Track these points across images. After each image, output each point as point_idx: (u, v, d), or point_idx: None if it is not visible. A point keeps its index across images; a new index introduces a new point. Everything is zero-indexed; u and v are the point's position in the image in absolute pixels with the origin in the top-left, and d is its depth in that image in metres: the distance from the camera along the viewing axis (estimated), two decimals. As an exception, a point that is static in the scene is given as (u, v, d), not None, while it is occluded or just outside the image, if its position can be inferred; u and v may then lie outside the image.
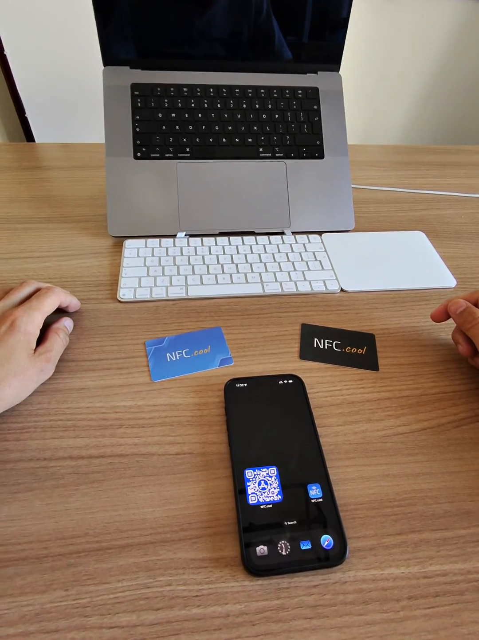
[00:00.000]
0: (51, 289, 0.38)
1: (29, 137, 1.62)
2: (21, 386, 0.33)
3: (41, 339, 0.36)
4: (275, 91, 0.55)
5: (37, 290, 0.39)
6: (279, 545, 0.27)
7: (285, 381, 0.37)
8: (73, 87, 1.51)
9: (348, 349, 0.41)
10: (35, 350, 0.35)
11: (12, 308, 0.36)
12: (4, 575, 0.26)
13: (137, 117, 0.53)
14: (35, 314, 0.35)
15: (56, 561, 0.27)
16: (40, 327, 0.36)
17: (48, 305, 0.37)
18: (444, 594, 0.27)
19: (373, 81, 1.71)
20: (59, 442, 0.33)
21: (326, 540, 0.28)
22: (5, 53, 1.41)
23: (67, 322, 0.39)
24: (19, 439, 0.33)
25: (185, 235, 0.52)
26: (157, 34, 0.51)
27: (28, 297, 0.38)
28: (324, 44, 0.55)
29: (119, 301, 0.44)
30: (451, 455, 0.34)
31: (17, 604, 0.25)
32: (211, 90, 0.54)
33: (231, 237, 0.52)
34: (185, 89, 0.54)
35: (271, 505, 0.29)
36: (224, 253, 0.50)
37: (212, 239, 0.52)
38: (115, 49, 0.52)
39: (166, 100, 0.53)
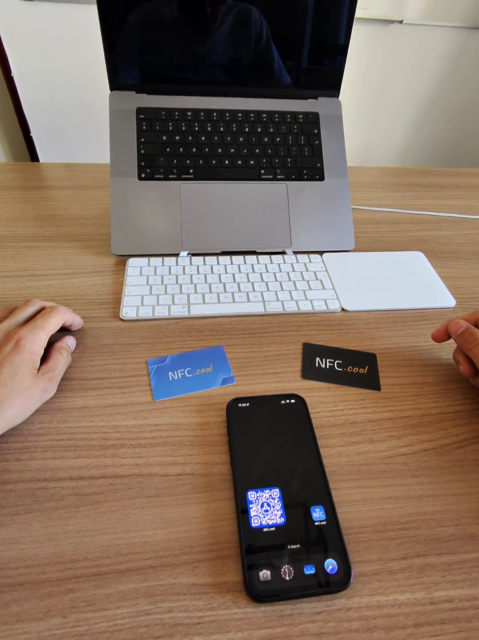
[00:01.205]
0: (55, 308, 0.38)
1: (34, 156, 1.65)
2: (24, 406, 0.33)
3: (44, 358, 0.36)
4: (276, 115, 0.57)
5: (42, 309, 0.39)
6: (283, 569, 0.27)
7: (287, 401, 0.37)
8: (77, 109, 1.55)
9: (350, 369, 0.41)
10: (38, 369, 0.35)
11: (17, 327, 0.36)
12: (1, 602, 0.26)
13: (142, 139, 0.54)
14: (40, 334, 0.35)
15: (54, 587, 0.26)
16: (45, 346, 0.36)
17: (52, 325, 0.37)
18: (450, 620, 0.26)
19: (371, 104, 1.76)
20: (60, 462, 0.33)
21: (330, 565, 0.27)
22: (12, 74, 1.45)
23: (70, 341, 0.40)
24: (19, 459, 0.33)
25: (187, 254, 0.53)
26: (162, 60, 0.53)
27: (32, 316, 0.38)
28: (324, 70, 0.57)
29: (122, 320, 0.45)
30: (454, 477, 0.33)
31: (13, 631, 0.25)
32: (214, 114, 0.56)
33: (233, 257, 0.53)
34: (189, 113, 0.55)
35: (273, 528, 0.29)
36: (226, 272, 0.51)
37: (215, 258, 0.52)
38: (121, 74, 0.54)
39: (170, 124, 0.55)
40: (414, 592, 0.27)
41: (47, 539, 0.28)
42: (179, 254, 0.53)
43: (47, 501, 0.30)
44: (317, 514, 0.30)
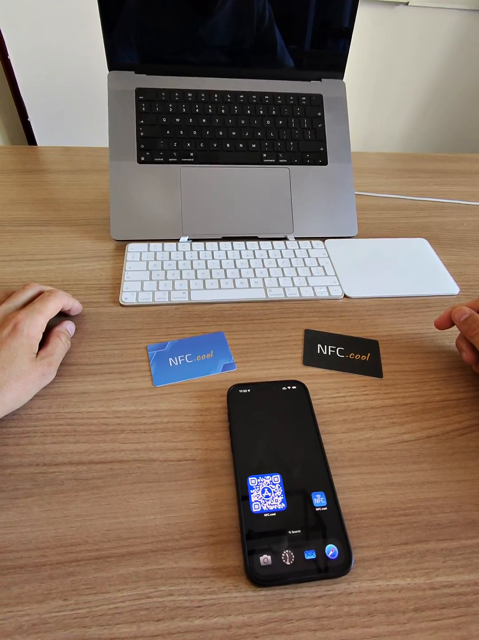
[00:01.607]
0: (54, 292, 0.38)
1: (31, 141, 1.62)
2: (23, 390, 0.32)
3: (43, 343, 0.36)
4: (279, 97, 0.56)
5: (40, 293, 0.38)
6: (283, 554, 0.27)
7: (289, 387, 0.36)
8: (74, 91, 1.52)
9: (352, 356, 0.41)
10: (37, 353, 0.34)
11: (15, 311, 0.35)
12: (1, 584, 0.26)
13: (142, 121, 0.53)
14: (38, 317, 0.35)
15: (55, 569, 0.26)
16: (43, 330, 0.35)
17: (51, 309, 0.36)
18: (450, 605, 0.26)
19: (374, 89, 1.72)
20: (59, 447, 0.32)
21: (331, 550, 0.27)
22: (8, 57, 1.42)
23: (69, 326, 0.39)
24: (19, 444, 0.32)
25: (188, 239, 0.52)
26: (162, 40, 0.51)
27: (31, 300, 0.37)
28: (328, 51, 0.56)
29: (121, 305, 0.44)
30: (456, 463, 0.33)
31: (13, 613, 0.25)
32: (215, 95, 0.54)
33: (234, 242, 0.52)
34: (189, 94, 0.54)
35: (274, 514, 0.29)
36: (227, 258, 0.50)
37: (215, 243, 0.52)
38: (120, 53, 0.52)
39: (170, 105, 0.53)
40: (415, 577, 0.27)
41: (47, 523, 0.28)
42: (179, 239, 0.52)
43: (46, 485, 0.30)
44: (318, 499, 0.30)
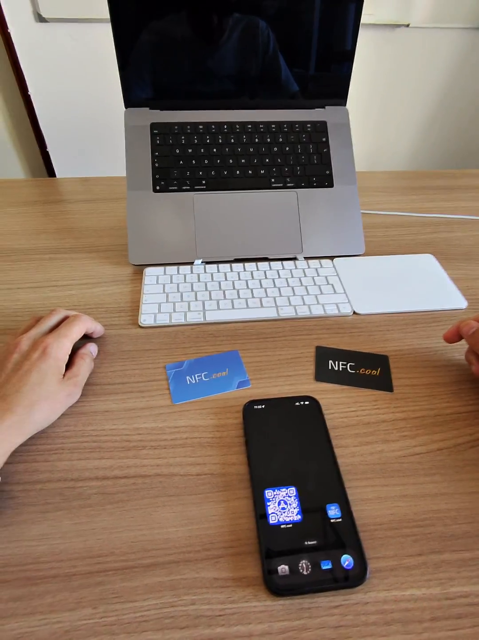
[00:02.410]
0: (78, 317, 0.40)
1: (50, 170, 1.71)
2: (51, 410, 0.35)
3: (69, 364, 0.38)
4: (285, 125, 0.59)
5: (65, 318, 0.41)
6: (300, 565, 0.28)
7: (302, 402, 0.38)
8: (91, 124, 1.60)
9: (362, 371, 0.42)
10: (64, 375, 0.36)
11: (43, 335, 0.38)
12: (35, 593, 0.27)
13: (156, 153, 0.56)
14: (65, 341, 0.37)
15: (84, 579, 0.28)
16: (69, 352, 0.38)
17: (76, 332, 0.39)
18: (466, 615, 0.27)
19: (379, 109, 1.76)
20: (86, 463, 0.34)
21: (347, 561, 0.28)
22: (29, 93, 1.51)
23: (92, 348, 0.42)
24: (48, 460, 0.34)
25: (202, 262, 0.55)
26: (173, 76, 0.55)
27: (57, 325, 0.40)
28: (331, 79, 0.59)
29: (140, 327, 0.47)
30: (468, 475, 0.34)
31: (47, 621, 0.26)
32: (225, 126, 0.58)
33: (246, 263, 0.54)
34: (200, 127, 0.57)
35: (291, 525, 0.30)
36: (239, 279, 0.52)
37: (228, 265, 0.54)
38: (135, 91, 0.56)
39: (182, 137, 0.57)
40: (430, 588, 0.28)
41: (76, 535, 0.30)
42: (193, 262, 0.54)
43: (74, 499, 0.32)
44: (333, 511, 0.31)
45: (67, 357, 0.37)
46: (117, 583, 0.28)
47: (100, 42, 1.40)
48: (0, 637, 0.25)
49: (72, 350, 0.39)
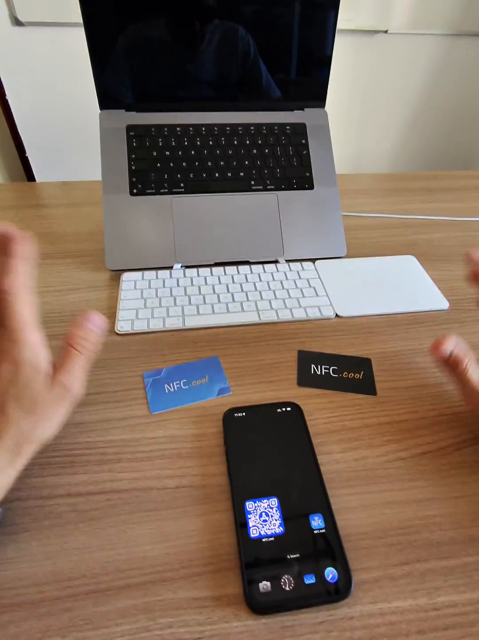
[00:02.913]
0: (14, 278, 0.28)
1: (30, 175, 1.67)
2: (53, 423, 0.30)
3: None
4: (264, 128, 0.58)
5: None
6: (283, 580, 0.27)
7: (284, 409, 0.37)
8: (71, 128, 1.57)
9: (345, 374, 0.42)
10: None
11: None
12: (-1, 622, 0.25)
13: (133, 156, 0.55)
14: (29, 336, 0.28)
15: (52, 605, 0.26)
16: (42, 347, 0.30)
17: (28, 314, 0.28)
18: (454, 626, 0.26)
19: (360, 113, 1.78)
20: (57, 479, 0.33)
21: (331, 574, 0.27)
22: (6, 97, 1.48)
23: (93, 320, 0.31)
24: (17, 478, 0.32)
25: (181, 266, 0.53)
26: (151, 79, 0.54)
27: None
28: (309, 82, 0.58)
29: (117, 333, 0.45)
30: (453, 479, 0.33)
31: (12, 653, 0.24)
32: (203, 128, 0.57)
33: (226, 267, 0.53)
34: (178, 129, 0.56)
35: (273, 538, 0.29)
36: (219, 283, 0.51)
37: (208, 269, 0.53)
38: (111, 93, 0.55)
39: (160, 140, 0.56)
40: (417, 598, 0.27)
41: (45, 557, 0.28)
42: (172, 267, 0.53)
43: (44, 519, 0.30)
44: (316, 522, 0.30)
45: (42, 352, 0.29)
46: (88, 608, 0.26)
47: (79, 46, 1.37)
48: (-40, 672, 0.24)
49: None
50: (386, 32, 1.60)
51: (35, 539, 0.29)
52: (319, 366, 0.42)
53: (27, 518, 0.30)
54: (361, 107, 1.76)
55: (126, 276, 0.51)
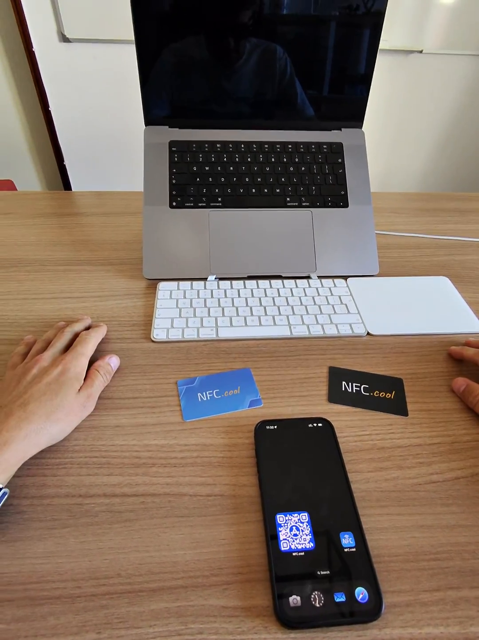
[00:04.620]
0: (90, 334, 0.42)
1: (66, 183, 1.74)
2: (67, 422, 0.35)
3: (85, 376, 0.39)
4: (301, 146, 0.59)
5: (76, 335, 0.43)
6: (313, 596, 0.27)
7: (315, 424, 0.37)
8: (106, 140, 1.64)
9: (376, 393, 0.42)
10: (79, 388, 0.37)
11: (62, 354, 0.39)
12: (38, 614, 0.27)
13: (174, 170, 0.57)
14: (82, 359, 0.39)
15: (89, 602, 0.27)
16: (86, 368, 0.39)
17: (91, 348, 0.41)
18: (487, 659, 0.25)
19: (392, 131, 1.79)
20: (94, 479, 0.34)
21: (361, 594, 0.27)
22: (49, 108, 1.55)
23: (112, 360, 0.42)
24: (56, 475, 0.34)
25: (215, 278, 0.55)
26: (193, 95, 0.56)
27: (73, 340, 0.42)
28: (347, 102, 0.59)
29: (153, 341, 0.46)
30: (487, 507, 0.33)
31: (49, 645, 0.25)
32: (242, 145, 0.59)
33: (259, 281, 0.54)
34: (218, 145, 0.58)
35: (303, 553, 0.29)
36: (252, 296, 0.52)
37: (241, 282, 0.54)
38: (155, 109, 0.57)
39: (200, 155, 0.58)
40: (448, 626, 0.27)
41: (82, 554, 0.29)
42: (207, 278, 0.54)
43: (82, 517, 0.31)
44: (347, 540, 0.30)
45: (85, 372, 0.38)
46: (122, 607, 0.27)
47: (121, 63, 1.44)
48: (1, 660, 0.25)
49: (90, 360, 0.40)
50: (421, 52, 1.61)
51: (73, 535, 0.30)
52: (350, 383, 0.43)
53: (66, 514, 0.31)
54: (394, 125, 1.77)
55: (162, 285, 0.53)
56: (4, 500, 0.30)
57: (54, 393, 0.35)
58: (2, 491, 0.30)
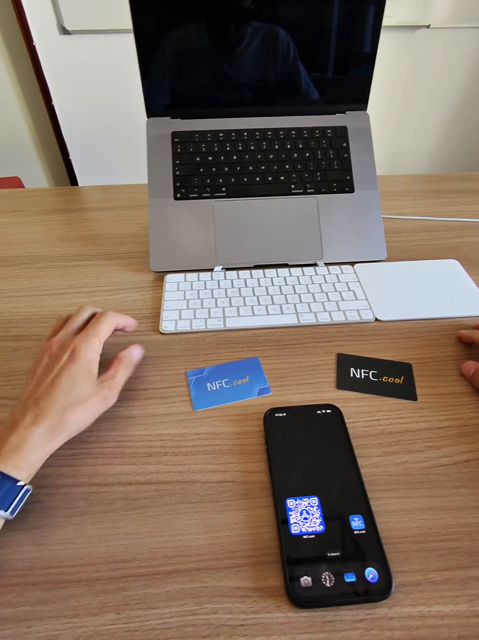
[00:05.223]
0: (105, 314, 0.38)
1: (71, 176, 1.75)
2: (85, 414, 0.33)
3: (108, 367, 0.38)
4: (305, 131, 0.59)
5: (93, 315, 0.40)
6: (324, 576, 0.28)
7: (323, 411, 0.38)
8: (111, 132, 1.63)
9: (385, 379, 0.42)
10: (99, 377, 0.36)
11: (72, 337, 0.37)
12: (60, 596, 0.28)
13: (177, 161, 0.57)
14: (93, 340, 0.36)
15: (107, 585, 0.28)
16: (100, 352, 0.36)
17: (104, 330, 0.37)
18: (496, 635, 0.26)
19: (399, 111, 1.74)
20: (109, 468, 0.35)
21: (371, 574, 0.28)
22: (53, 103, 1.55)
23: (135, 351, 0.40)
24: (73, 465, 0.35)
25: (222, 268, 0.55)
26: (194, 84, 0.56)
27: (85, 324, 0.39)
28: (351, 85, 0.58)
29: (162, 333, 0.47)
30: (497, 488, 0.33)
31: (72, 625, 0.27)
32: (245, 134, 0.58)
33: (266, 270, 0.54)
34: (221, 134, 0.58)
35: (313, 536, 0.30)
36: (259, 285, 0.52)
37: (248, 271, 0.54)
38: (156, 101, 0.57)
39: (203, 145, 0.57)
40: (458, 604, 0.27)
41: (99, 540, 0.30)
42: (213, 269, 0.55)
43: (98, 504, 0.32)
44: (356, 522, 0.30)
45: (98, 356, 0.36)
46: (139, 589, 0.28)
47: (122, 53, 1.43)
48: (27, 639, 0.26)
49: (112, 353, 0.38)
50: (428, 27, 1.56)
51: (90, 522, 0.31)
52: (358, 370, 0.43)
53: (83, 502, 0.33)
54: (400, 105, 1.72)
55: (169, 277, 0.54)
56: (26, 497, 0.30)
57: (69, 386, 0.33)
58: (25, 488, 0.30)
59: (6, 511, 0.29)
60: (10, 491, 0.29)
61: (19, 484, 0.30)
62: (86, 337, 0.36)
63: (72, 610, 0.27)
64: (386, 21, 1.46)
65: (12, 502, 0.29)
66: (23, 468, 0.30)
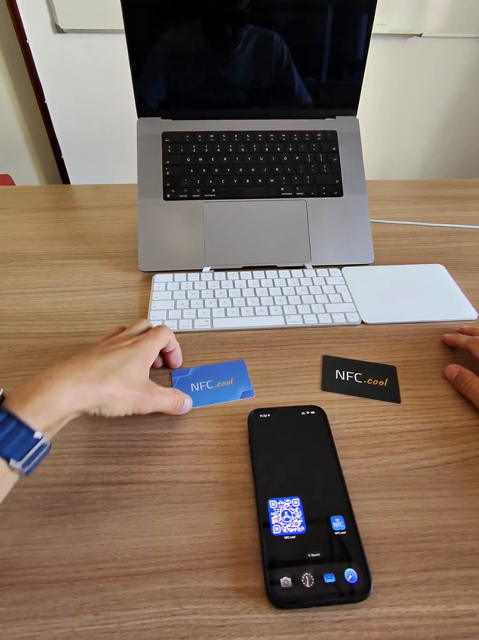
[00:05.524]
0: (163, 326, 0.40)
1: (64, 176, 1.74)
2: (121, 394, 0.32)
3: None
4: (295, 135, 0.59)
5: (149, 327, 0.41)
6: (303, 577, 0.28)
7: (307, 412, 0.38)
8: (103, 132, 1.63)
9: (370, 381, 0.42)
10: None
11: (136, 335, 0.38)
12: (37, 597, 0.28)
13: (168, 162, 0.57)
14: (154, 342, 0.37)
15: (86, 585, 0.28)
16: (157, 354, 0.38)
17: (163, 337, 0.39)
18: (471, 635, 0.26)
19: (392, 118, 1.77)
20: (91, 468, 0.35)
21: (350, 574, 0.28)
22: (45, 101, 1.54)
23: (188, 402, 0.39)
24: (55, 464, 0.35)
25: (210, 269, 0.55)
26: (186, 85, 0.56)
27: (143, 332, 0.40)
28: (342, 89, 0.59)
29: (148, 333, 0.47)
30: (476, 491, 0.33)
31: (49, 626, 0.26)
32: (236, 135, 0.58)
33: (254, 271, 0.55)
34: (211, 136, 0.58)
35: (294, 537, 0.30)
36: (247, 286, 0.52)
37: (236, 273, 0.54)
38: (148, 101, 0.57)
39: (193, 146, 0.57)
40: (435, 605, 0.28)
41: (79, 540, 0.30)
42: (202, 270, 0.55)
43: (79, 504, 0.32)
44: (338, 523, 0.30)
45: (155, 356, 0.37)
46: (118, 590, 0.28)
47: (116, 53, 1.43)
48: (3, 640, 0.26)
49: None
50: (420, 36, 1.58)
51: (71, 522, 0.31)
52: (343, 372, 0.43)
53: (64, 502, 0.32)
54: (393, 112, 1.74)
55: (157, 277, 0.53)
56: (41, 454, 0.27)
57: (121, 360, 0.33)
58: (41, 443, 0.27)
59: (19, 462, 0.26)
60: (25, 441, 0.26)
61: (35, 436, 0.27)
62: (148, 337, 0.37)
63: (50, 611, 0.27)
64: (378, 29, 1.48)
65: (27, 453, 0.26)
66: (43, 416, 0.27)
